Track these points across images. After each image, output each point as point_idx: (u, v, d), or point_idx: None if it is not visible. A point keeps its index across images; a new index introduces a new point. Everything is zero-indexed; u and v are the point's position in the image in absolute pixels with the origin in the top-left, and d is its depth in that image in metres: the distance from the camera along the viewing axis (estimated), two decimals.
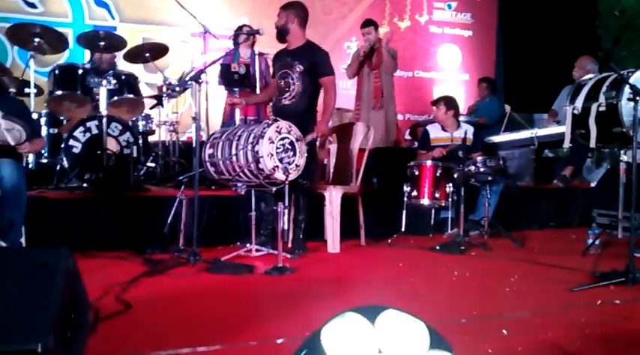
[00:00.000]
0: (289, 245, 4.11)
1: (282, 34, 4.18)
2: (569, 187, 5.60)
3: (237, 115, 5.37)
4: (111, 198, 4.28)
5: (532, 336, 2.35)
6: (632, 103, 3.23)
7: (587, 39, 8.86)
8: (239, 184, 3.85)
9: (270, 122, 3.59)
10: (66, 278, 1.81)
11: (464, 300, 2.96)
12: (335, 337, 1.15)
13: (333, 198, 4.26)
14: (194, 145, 5.42)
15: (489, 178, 4.60)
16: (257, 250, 3.95)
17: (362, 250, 4.45)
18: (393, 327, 1.18)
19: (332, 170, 4.93)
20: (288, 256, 3.80)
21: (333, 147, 4.96)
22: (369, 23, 5.80)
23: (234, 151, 3.68)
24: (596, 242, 4.13)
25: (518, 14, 8.44)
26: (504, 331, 2.33)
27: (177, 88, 4.86)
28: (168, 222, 4.00)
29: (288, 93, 4.12)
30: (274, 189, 3.68)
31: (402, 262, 4.01)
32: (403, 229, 4.60)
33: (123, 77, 4.98)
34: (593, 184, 5.73)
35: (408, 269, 3.82)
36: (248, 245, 3.96)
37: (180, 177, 4.11)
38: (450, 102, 5.14)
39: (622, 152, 3.63)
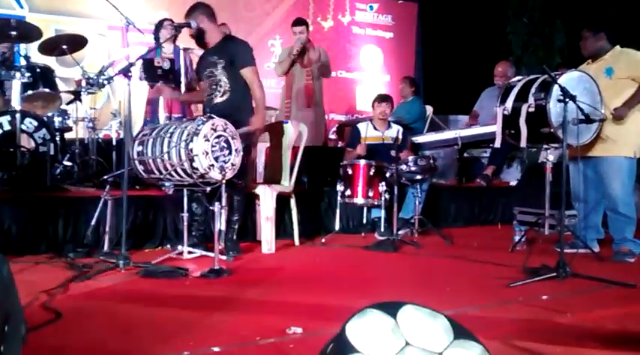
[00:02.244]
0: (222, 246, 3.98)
1: (200, 38, 4.05)
2: (491, 186, 5.81)
3: (161, 113, 5.16)
4: (26, 198, 3.96)
5: (477, 332, 2.37)
6: (560, 104, 3.39)
7: (499, 44, 9.26)
8: (167, 184, 3.67)
9: (205, 119, 3.45)
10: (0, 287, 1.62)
11: (404, 298, 2.96)
12: (360, 333, 1.13)
13: (267, 197, 4.16)
14: (114, 143, 5.23)
15: (419, 177, 4.67)
16: (189, 252, 3.78)
17: (297, 250, 4.39)
18: (416, 321, 1.18)
19: (262, 169, 4.84)
20: (223, 258, 3.67)
21: (262, 146, 4.87)
22: (301, 22, 5.75)
23: (165, 149, 3.50)
24: (521, 238, 4.29)
25: (436, 18, 8.69)
26: None
27: (99, 82, 4.61)
28: (92, 223, 3.75)
29: (217, 92, 3.99)
30: (209, 188, 3.54)
31: (338, 261, 4.00)
32: (337, 228, 4.58)
33: (38, 70, 4.62)
34: (513, 183, 5.97)
35: (345, 269, 3.81)
36: (179, 247, 3.79)
37: (106, 177, 3.87)
38: (391, 101, 5.24)
39: (548, 152, 3.77)
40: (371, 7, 8.25)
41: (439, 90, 8.53)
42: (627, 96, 3.88)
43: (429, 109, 6.87)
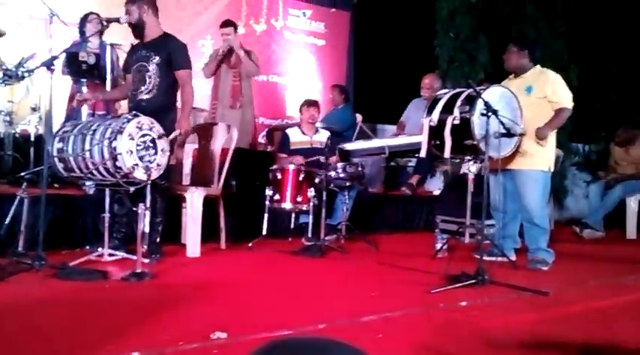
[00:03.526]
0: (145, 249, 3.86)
1: (139, 29, 3.94)
2: (416, 194, 5.96)
3: (84, 109, 4.96)
4: None
5: (401, 336, 2.43)
6: (484, 118, 3.53)
7: (427, 57, 9.53)
8: (87, 183, 3.54)
9: (130, 117, 3.35)
10: None
11: (330, 303, 2.99)
12: None
13: (194, 200, 4.09)
14: (32, 138, 4.97)
15: (348, 184, 4.73)
16: (110, 254, 3.65)
17: (222, 254, 4.33)
18: None
19: (189, 171, 4.75)
20: (146, 261, 3.56)
21: (189, 147, 4.78)
22: (228, 23, 5.74)
23: (87, 147, 3.37)
24: (443, 246, 4.42)
25: (368, 28, 8.84)
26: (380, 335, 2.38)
27: (18, 74, 4.39)
28: (6, 222, 3.56)
29: (144, 88, 3.89)
30: (132, 189, 3.44)
31: (263, 266, 3.97)
32: (264, 233, 4.55)
33: None
34: (436, 192, 6.14)
35: (271, 274, 3.79)
36: (100, 249, 3.65)
37: (23, 173, 3.68)
38: (318, 106, 5.28)
39: (471, 163, 3.91)
40: (304, 14, 8.28)
41: (368, 99, 8.68)
42: (544, 114, 4.08)
43: (359, 117, 6.97)
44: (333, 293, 3.25)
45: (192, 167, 4.77)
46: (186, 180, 4.77)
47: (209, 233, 4.33)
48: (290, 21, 8.15)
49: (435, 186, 6.59)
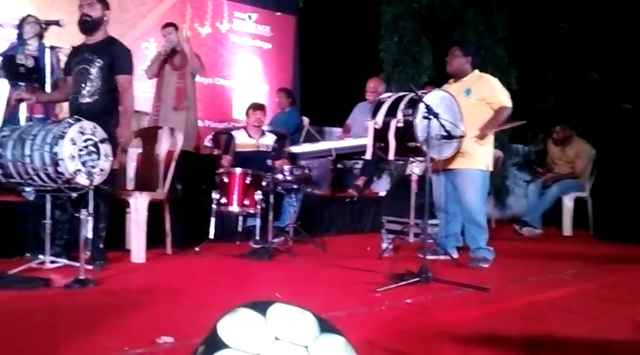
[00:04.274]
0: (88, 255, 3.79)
1: (90, 29, 3.87)
2: (362, 196, 6.05)
3: (22, 113, 4.81)
4: None
5: (347, 334, 2.47)
6: (426, 121, 3.63)
7: (372, 61, 9.67)
8: (27, 189, 3.45)
9: (72, 121, 3.28)
10: None
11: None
12: (232, 330, 1.21)
13: (138, 205, 4.04)
14: None
15: (295, 186, 4.76)
16: (52, 262, 3.56)
17: (168, 259, 4.29)
18: (285, 317, 1.27)
19: (133, 175, 4.68)
20: (89, 267, 3.49)
21: (133, 151, 4.71)
22: (169, 24, 5.75)
23: (27, 152, 3.28)
24: (389, 246, 4.51)
25: (314, 32, 8.92)
26: None
27: None
28: None
29: (86, 91, 3.82)
30: (75, 194, 3.37)
31: (210, 270, 3.96)
32: (212, 237, 4.53)
33: None
34: (382, 193, 6.25)
35: (218, 277, 3.78)
36: (41, 256, 3.56)
37: None
38: (262, 107, 5.30)
39: (414, 165, 4.01)
40: (250, 17, 8.27)
41: (315, 102, 8.75)
42: (483, 116, 4.24)
43: (306, 120, 7.02)
44: (280, 295, 3.27)
45: (136, 171, 4.70)
46: (130, 184, 4.69)
47: (154, 238, 4.28)
48: (236, 24, 8.13)
49: (382, 187, 6.71)
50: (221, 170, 4.75)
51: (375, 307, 2.97)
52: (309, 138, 6.81)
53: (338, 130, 7.20)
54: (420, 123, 3.75)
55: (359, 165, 6.40)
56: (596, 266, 4.53)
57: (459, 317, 2.91)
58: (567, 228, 6.64)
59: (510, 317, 2.92)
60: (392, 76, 9.79)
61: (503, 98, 4.29)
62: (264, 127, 5.60)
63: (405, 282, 3.41)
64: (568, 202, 6.66)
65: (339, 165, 6.45)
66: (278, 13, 8.50)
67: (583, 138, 6.96)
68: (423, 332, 2.60)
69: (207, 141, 7.12)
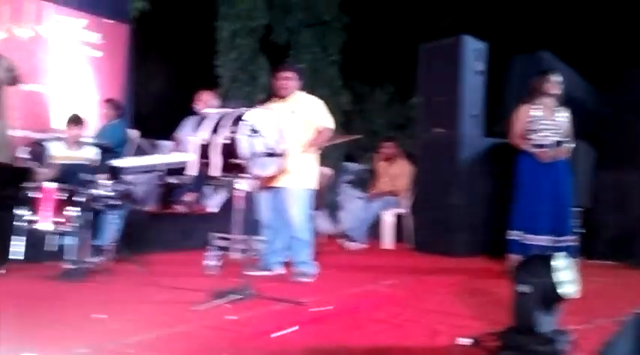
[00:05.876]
0: None
1: None
2: (191, 212, 5.93)
3: None
4: None
5: None
6: (250, 138, 3.65)
7: (210, 75, 9.62)
8: None
9: None
10: None
11: (79, 328, 2.83)
12: None
13: None
14: None
15: (116, 202, 4.53)
16: None
17: None
18: None
19: None
20: None
21: None
22: None
23: None
24: (215, 263, 4.46)
25: (150, 43, 8.66)
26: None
27: None
28: None
29: None
30: None
31: (17, 294, 3.61)
32: (20, 257, 4.14)
33: None
34: (213, 209, 6.17)
35: (24, 301, 3.45)
36: None
37: None
38: (81, 121, 4.99)
39: (240, 181, 4.00)
40: (78, 23, 7.80)
41: (150, 114, 8.47)
42: (306, 135, 4.39)
43: (135, 133, 6.75)
44: (85, 319, 3.07)
45: None
46: None
47: None
48: (62, 29, 7.61)
49: (214, 203, 6.63)
50: (30, 184, 4.37)
51: (192, 326, 2.91)
52: (140, 153, 6.55)
53: (170, 144, 7.00)
54: (243, 139, 3.76)
55: (189, 180, 6.27)
56: (413, 278, 4.84)
57: (275, 332, 2.93)
58: (388, 242, 7.05)
59: (327, 330, 3.01)
60: (229, 91, 9.84)
61: (326, 119, 4.47)
62: (87, 140, 5.28)
63: (227, 300, 3.39)
64: (388, 218, 7.08)
65: (168, 181, 6.27)
66: (109, 21, 8.11)
67: (406, 158, 7.47)
68: (237, 349, 2.59)
69: (24, 152, 6.55)
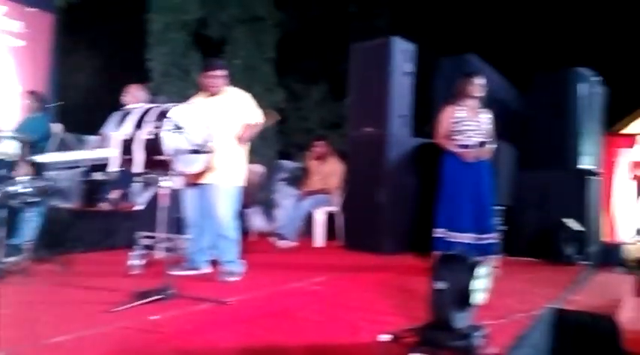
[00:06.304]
0: None
1: None
2: (117, 210, 5.76)
3: None
4: None
5: None
6: (174, 134, 3.58)
7: (141, 69, 9.38)
8: None
9: None
10: None
11: (4, 331, 2.70)
12: None
13: None
14: None
15: (34, 199, 4.34)
16: None
17: None
18: None
19: None
20: None
21: None
22: None
23: None
24: (139, 262, 4.35)
25: (78, 34, 8.35)
26: None
27: None
28: None
29: None
30: None
31: None
32: None
33: None
34: (139, 207, 6.01)
35: None
36: None
37: None
38: None
39: (165, 178, 3.92)
40: None
41: (75, 108, 8.16)
42: (234, 131, 4.35)
43: (58, 127, 6.48)
44: (3, 320, 2.95)
45: None
46: None
47: None
48: None
49: (140, 200, 6.45)
50: None
51: (108, 328, 2.83)
52: (64, 148, 6.30)
53: (97, 139, 6.77)
54: (167, 136, 3.68)
55: (115, 177, 6.09)
56: (340, 275, 4.88)
57: (193, 332, 2.90)
58: (319, 240, 7.08)
59: (249, 329, 3.00)
60: (161, 86, 9.63)
61: (255, 114, 4.44)
62: (5, 133, 5.03)
63: (148, 300, 3.32)
64: (319, 216, 7.12)
65: (92, 177, 6.06)
66: (32, 9, 7.77)
67: (338, 157, 7.52)
68: (157, 350, 2.54)
69: None
